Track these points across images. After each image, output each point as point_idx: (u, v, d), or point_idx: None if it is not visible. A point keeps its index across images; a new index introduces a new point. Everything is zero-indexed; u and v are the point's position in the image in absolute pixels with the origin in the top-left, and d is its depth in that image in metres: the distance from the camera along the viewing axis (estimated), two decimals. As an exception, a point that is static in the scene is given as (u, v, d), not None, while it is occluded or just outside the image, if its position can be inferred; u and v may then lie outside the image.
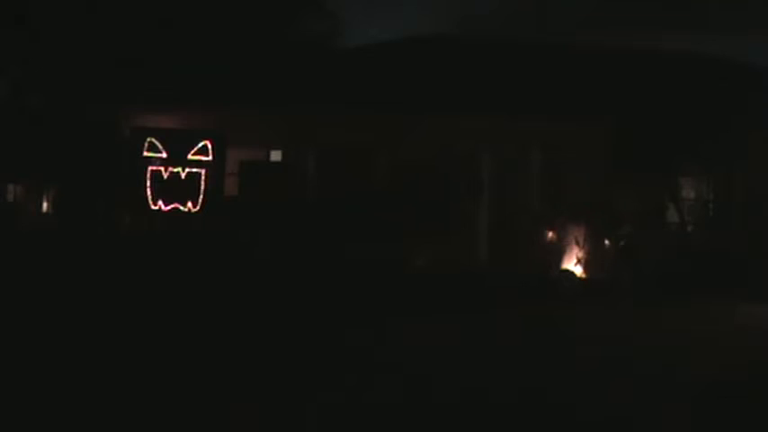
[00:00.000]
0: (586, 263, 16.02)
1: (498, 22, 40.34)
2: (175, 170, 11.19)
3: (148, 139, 11.34)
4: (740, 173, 17.25)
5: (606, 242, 16.32)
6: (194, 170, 11.20)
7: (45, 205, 17.48)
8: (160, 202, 11.28)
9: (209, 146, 11.46)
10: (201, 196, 11.30)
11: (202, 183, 11.38)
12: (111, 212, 12.06)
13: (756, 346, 10.77)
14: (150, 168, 11.32)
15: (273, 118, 15.80)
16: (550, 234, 16.47)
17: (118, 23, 16.59)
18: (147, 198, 11.14)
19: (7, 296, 11.94)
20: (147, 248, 11.44)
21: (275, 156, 16.29)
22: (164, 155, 11.23)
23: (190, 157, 11.23)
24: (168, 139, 11.14)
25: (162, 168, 11.20)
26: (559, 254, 16.16)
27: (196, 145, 11.40)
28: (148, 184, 11.19)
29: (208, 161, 11.44)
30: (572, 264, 16.06)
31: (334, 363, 9.08)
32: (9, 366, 8.39)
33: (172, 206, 11.16)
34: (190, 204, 11.31)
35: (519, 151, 16.68)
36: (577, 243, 16.10)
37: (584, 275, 15.96)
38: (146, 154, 11.43)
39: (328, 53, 19.69)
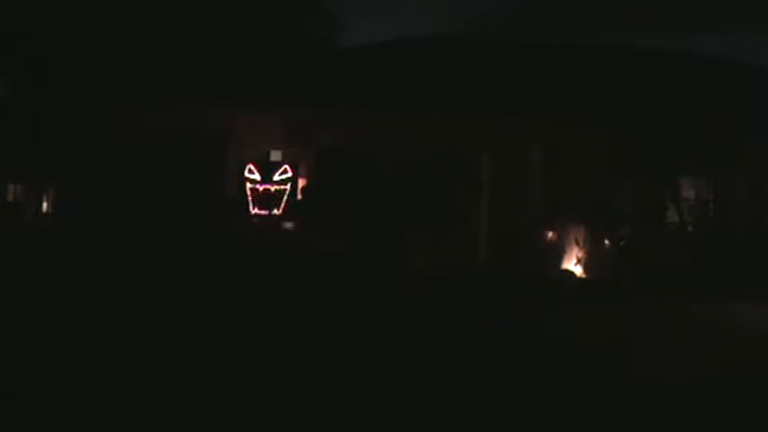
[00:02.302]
0: (586, 263, 16.02)
1: (498, 22, 40.38)
2: (267, 187, 15.40)
3: (248, 166, 15.41)
4: (740, 173, 17.25)
5: (606, 242, 16.31)
6: (279, 187, 15.42)
7: (44, 205, 17.53)
8: (257, 209, 15.42)
9: (288, 168, 15.54)
10: (283, 204, 15.48)
11: (285, 195, 15.49)
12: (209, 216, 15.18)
13: (756, 345, 10.78)
14: (249, 186, 15.39)
15: (273, 118, 15.81)
16: (550, 234, 16.47)
17: (117, 23, 16.60)
18: (248, 205, 15.43)
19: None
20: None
21: (275, 156, 16.31)
22: (258, 176, 15.41)
23: (275, 177, 15.43)
24: (262, 165, 15.57)
25: (258, 186, 15.39)
26: (559, 254, 16.16)
27: (280, 169, 15.52)
28: (249, 196, 15.40)
29: (288, 178, 15.52)
30: (572, 264, 16.06)
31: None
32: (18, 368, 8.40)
33: (265, 212, 15.45)
34: (276, 210, 15.45)
35: (519, 151, 16.68)
36: (577, 243, 16.10)
37: (584, 275, 15.96)
38: (246, 176, 15.44)
39: (328, 53, 19.69)
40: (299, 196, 15.79)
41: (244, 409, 7.05)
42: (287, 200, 15.44)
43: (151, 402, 7.17)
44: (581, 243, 16.08)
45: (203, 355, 9.22)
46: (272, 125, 15.92)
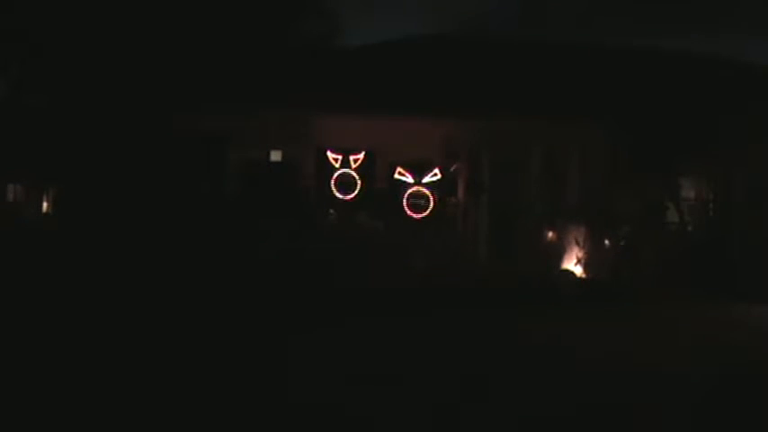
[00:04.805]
0: (586, 263, 16.01)
1: (498, 22, 40.42)
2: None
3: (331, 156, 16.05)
4: (740, 173, 17.25)
5: (606, 242, 16.31)
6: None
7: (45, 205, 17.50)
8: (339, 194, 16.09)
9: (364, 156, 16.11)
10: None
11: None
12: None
13: (756, 345, 10.78)
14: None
15: (273, 118, 15.81)
16: (550, 234, 16.47)
17: (115, 25, 16.58)
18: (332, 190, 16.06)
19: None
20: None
21: (275, 156, 16.33)
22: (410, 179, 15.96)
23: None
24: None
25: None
26: (559, 254, 16.16)
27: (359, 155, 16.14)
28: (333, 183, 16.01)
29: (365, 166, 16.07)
30: (572, 264, 16.05)
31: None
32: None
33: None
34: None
35: (519, 151, 16.68)
36: (577, 243, 16.09)
37: (584, 275, 15.95)
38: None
39: (328, 53, 19.67)
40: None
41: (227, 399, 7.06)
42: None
43: (151, 404, 7.17)
44: (581, 243, 16.07)
45: (202, 354, 9.23)
46: (272, 125, 15.92)
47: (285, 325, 11.31)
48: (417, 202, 15.94)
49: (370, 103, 16.15)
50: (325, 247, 14.81)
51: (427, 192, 15.91)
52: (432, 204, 15.87)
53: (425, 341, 10.52)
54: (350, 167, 15.98)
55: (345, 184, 16.03)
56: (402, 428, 6.73)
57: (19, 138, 16.10)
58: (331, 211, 16.01)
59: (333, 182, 16.00)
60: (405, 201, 15.91)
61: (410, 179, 15.92)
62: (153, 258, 13.76)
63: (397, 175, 15.93)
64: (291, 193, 15.81)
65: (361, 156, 15.95)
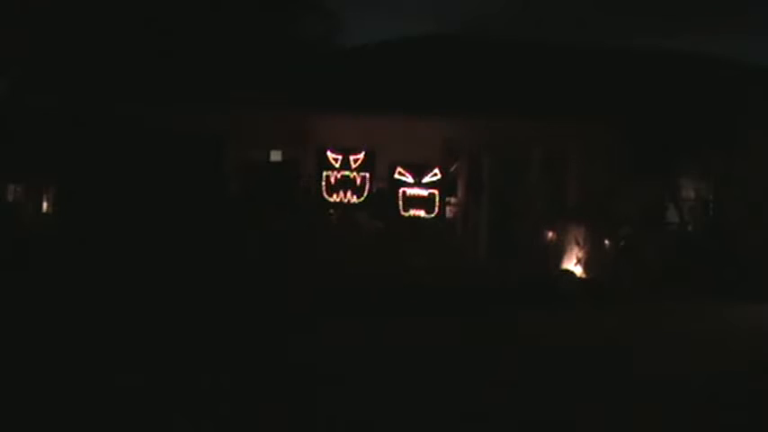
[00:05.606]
0: (586, 263, 16.02)
1: (498, 22, 40.46)
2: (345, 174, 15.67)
3: (331, 156, 15.64)
4: (740, 173, 17.25)
5: (606, 242, 16.32)
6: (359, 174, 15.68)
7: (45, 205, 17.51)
8: (333, 196, 15.64)
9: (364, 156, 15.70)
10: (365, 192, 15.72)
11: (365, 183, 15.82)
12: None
13: (756, 345, 10.79)
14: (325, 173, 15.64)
15: (273, 118, 15.82)
16: (550, 234, 16.48)
17: (116, 25, 16.59)
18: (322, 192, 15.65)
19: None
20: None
21: (275, 156, 16.33)
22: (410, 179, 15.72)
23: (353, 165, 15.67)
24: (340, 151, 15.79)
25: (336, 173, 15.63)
26: (559, 254, 16.16)
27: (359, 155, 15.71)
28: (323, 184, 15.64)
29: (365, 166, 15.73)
30: (572, 264, 16.06)
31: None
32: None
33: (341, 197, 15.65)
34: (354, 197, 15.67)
35: (519, 151, 16.69)
36: (577, 243, 16.10)
37: (584, 275, 15.96)
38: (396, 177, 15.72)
39: (328, 53, 19.69)
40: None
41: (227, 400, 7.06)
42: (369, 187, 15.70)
43: (151, 403, 7.18)
44: (581, 243, 16.08)
45: (201, 354, 9.24)
46: (272, 125, 15.93)
47: (285, 325, 11.32)
48: (418, 202, 15.83)
49: (370, 103, 16.16)
50: (324, 246, 14.81)
51: (426, 193, 15.83)
52: (433, 204, 15.78)
53: (424, 341, 10.53)
54: (350, 167, 15.89)
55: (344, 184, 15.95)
56: (402, 428, 6.73)
57: (19, 138, 16.11)
58: (331, 211, 15.89)
59: (331, 183, 15.90)
60: (405, 201, 15.85)
61: (410, 179, 15.86)
62: (152, 258, 13.77)
63: (397, 175, 15.85)
64: (291, 194, 15.78)
65: (361, 156, 15.81)
